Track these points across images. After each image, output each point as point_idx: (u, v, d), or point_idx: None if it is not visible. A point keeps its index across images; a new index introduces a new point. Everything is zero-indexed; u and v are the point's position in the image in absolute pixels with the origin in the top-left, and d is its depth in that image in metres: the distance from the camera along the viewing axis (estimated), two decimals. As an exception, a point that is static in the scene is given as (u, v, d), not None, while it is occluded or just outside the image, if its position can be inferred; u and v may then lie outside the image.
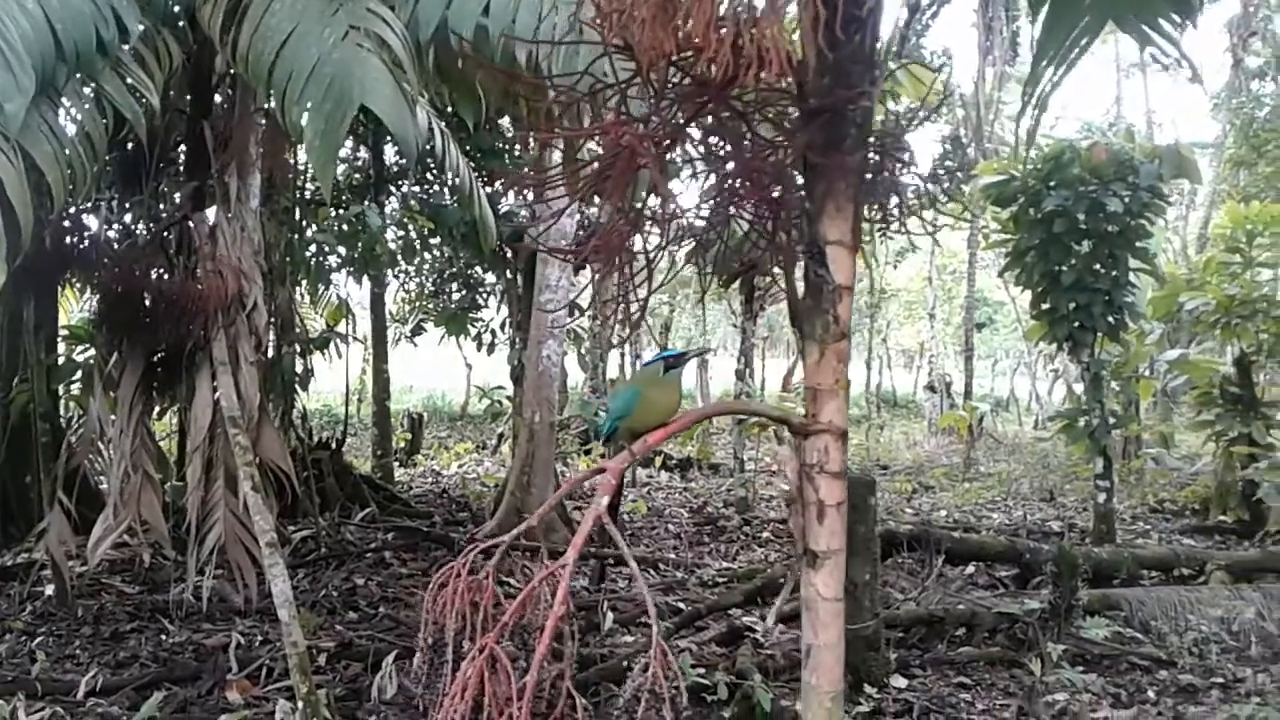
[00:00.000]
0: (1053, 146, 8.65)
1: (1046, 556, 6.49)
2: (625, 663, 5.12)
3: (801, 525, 1.96)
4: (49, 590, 6.26)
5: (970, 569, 7.55)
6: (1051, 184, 8.37)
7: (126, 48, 4.52)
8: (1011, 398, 27.38)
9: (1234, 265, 10.06)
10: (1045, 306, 8.69)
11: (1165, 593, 6.38)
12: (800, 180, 1.97)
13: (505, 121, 9.53)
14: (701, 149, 2.11)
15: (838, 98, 1.80)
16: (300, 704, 4.30)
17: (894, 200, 2.20)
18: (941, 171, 2.39)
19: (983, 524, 10.26)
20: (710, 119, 1.90)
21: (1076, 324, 8.47)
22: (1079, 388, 10.71)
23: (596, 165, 1.86)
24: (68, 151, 4.12)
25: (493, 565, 1.87)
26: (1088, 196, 8.18)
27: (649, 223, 2.18)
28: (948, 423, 16.60)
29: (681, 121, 1.87)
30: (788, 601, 6.05)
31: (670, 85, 1.80)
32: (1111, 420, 8.77)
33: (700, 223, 2.22)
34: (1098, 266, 8.34)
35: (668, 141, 1.88)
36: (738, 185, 2.05)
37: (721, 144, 2.04)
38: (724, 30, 1.53)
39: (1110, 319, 8.43)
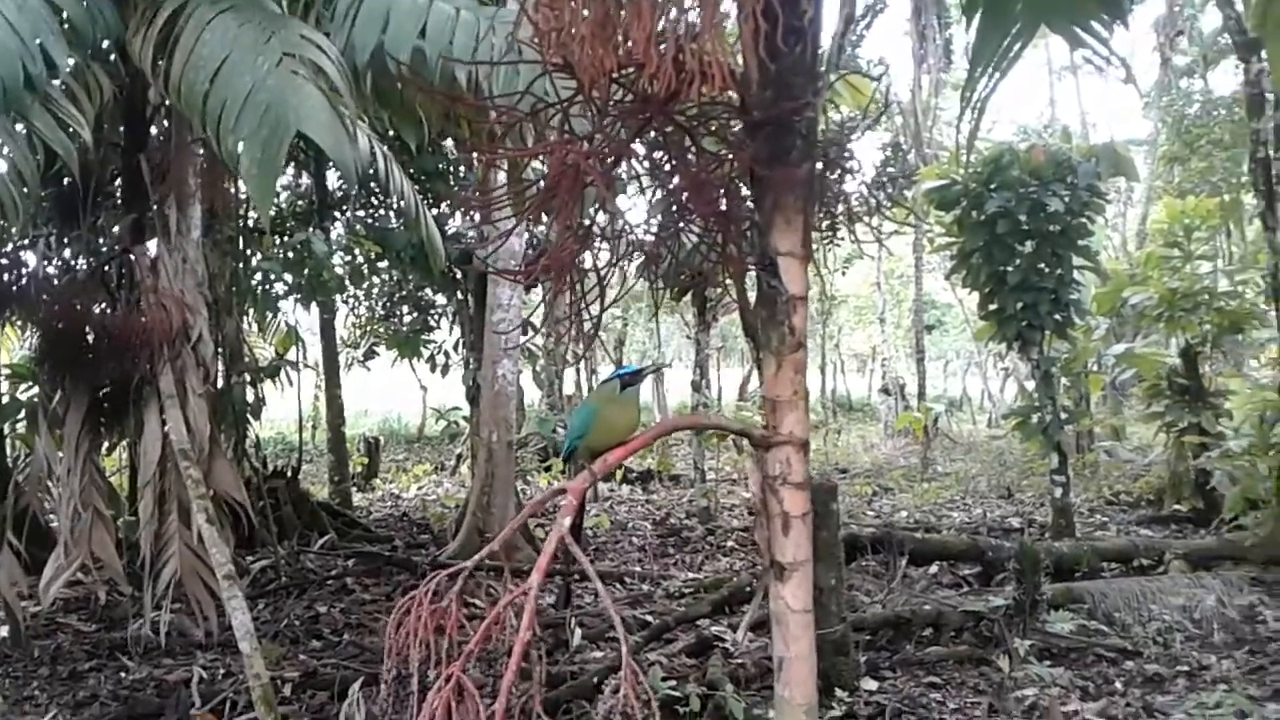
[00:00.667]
0: (992, 150, 8.76)
1: (1008, 553, 6.54)
2: (595, 680, 5.09)
3: (767, 537, 1.95)
4: (2, 631, 6.11)
5: (934, 569, 7.59)
6: (992, 186, 8.48)
7: (56, 83, 4.44)
8: (964, 397, 27.68)
9: (1174, 259, 10.24)
10: (993, 307, 8.78)
11: (1127, 584, 6.46)
12: (747, 193, 1.97)
13: (449, 143, 9.50)
14: (647, 165, 2.11)
15: (781, 109, 1.80)
16: (265, 738, 4.23)
17: (841, 208, 2.21)
18: (884, 179, 2.40)
19: (943, 523, 10.34)
20: (654, 134, 1.89)
21: (1024, 323, 8.56)
22: (1030, 385, 10.84)
23: (543, 184, 1.85)
24: None
25: (456, 591, 1.84)
26: (1029, 197, 8.30)
27: (598, 239, 2.17)
28: (904, 424, 16.74)
29: (626, 138, 1.86)
30: (758, 611, 6.05)
31: (613, 102, 1.80)
32: (1064, 415, 8.88)
33: (649, 237, 2.21)
34: (1042, 265, 8.45)
35: (613, 158, 1.87)
36: (685, 199, 2.04)
37: (667, 159, 2.04)
38: (664, 45, 1.53)
39: (1057, 316, 8.54)
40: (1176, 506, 9.80)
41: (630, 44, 1.57)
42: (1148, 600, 6.17)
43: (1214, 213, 10.51)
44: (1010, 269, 8.49)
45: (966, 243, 8.78)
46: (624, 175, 2.29)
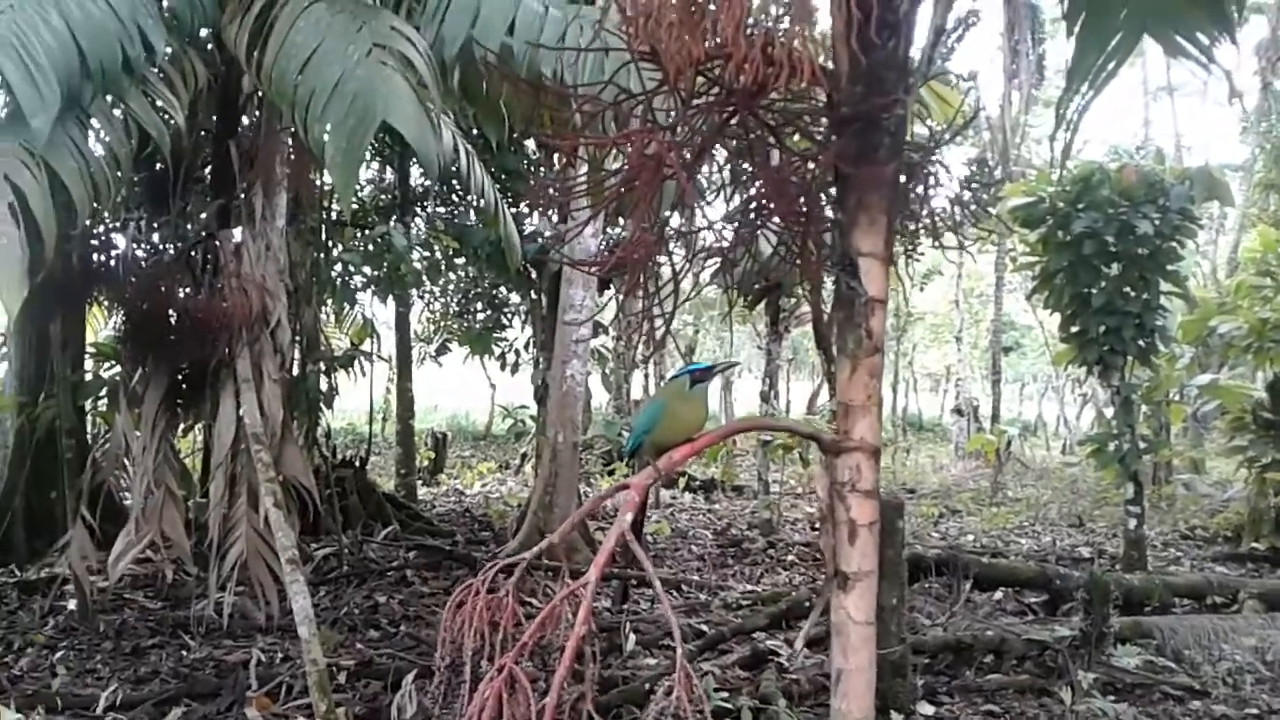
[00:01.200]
0: (1082, 168, 8.56)
1: (1076, 583, 6.37)
2: (647, 685, 5.05)
3: (832, 546, 1.91)
4: (71, 605, 6.25)
5: (999, 595, 7.43)
6: (1080, 206, 8.28)
7: (154, 69, 4.54)
8: (1039, 422, 27.15)
9: (1265, 289, 9.92)
10: (1075, 329, 8.58)
11: (1198, 621, 6.25)
12: (831, 192, 1.93)
13: (530, 143, 9.55)
14: (729, 162, 2.07)
15: (871, 105, 1.76)
16: (319, 722, 4.26)
17: (924, 220, 2.15)
18: (969, 193, 2.34)
19: (1010, 549, 10.11)
20: (738, 129, 1.86)
21: (1106, 347, 8.35)
22: (1109, 412, 10.56)
23: (623, 175, 1.83)
24: (93, 169, 4.12)
25: (512, 584, 1.83)
26: (1117, 219, 8.09)
27: (673, 240, 2.14)
28: (975, 446, 16.44)
29: (709, 132, 1.83)
30: (816, 625, 5.97)
31: (698, 94, 1.77)
32: (1142, 445, 8.64)
33: (725, 240, 2.18)
34: (1128, 289, 8.24)
35: (696, 152, 1.84)
36: (765, 199, 2.01)
37: (748, 157, 2.00)
38: (753, 35, 1.49)
39: (1141, 342, 8.31)
40: (1254, 544, 9.49)
41: (718, 34, 1.54)
42: (1219, 639, 5.96)
43: (1309, 242, 10.16)
44: (1094, 291, 8.29)
45: (1051, 262, 8.59)
46: (703, 176, 2.27)
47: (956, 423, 22.04)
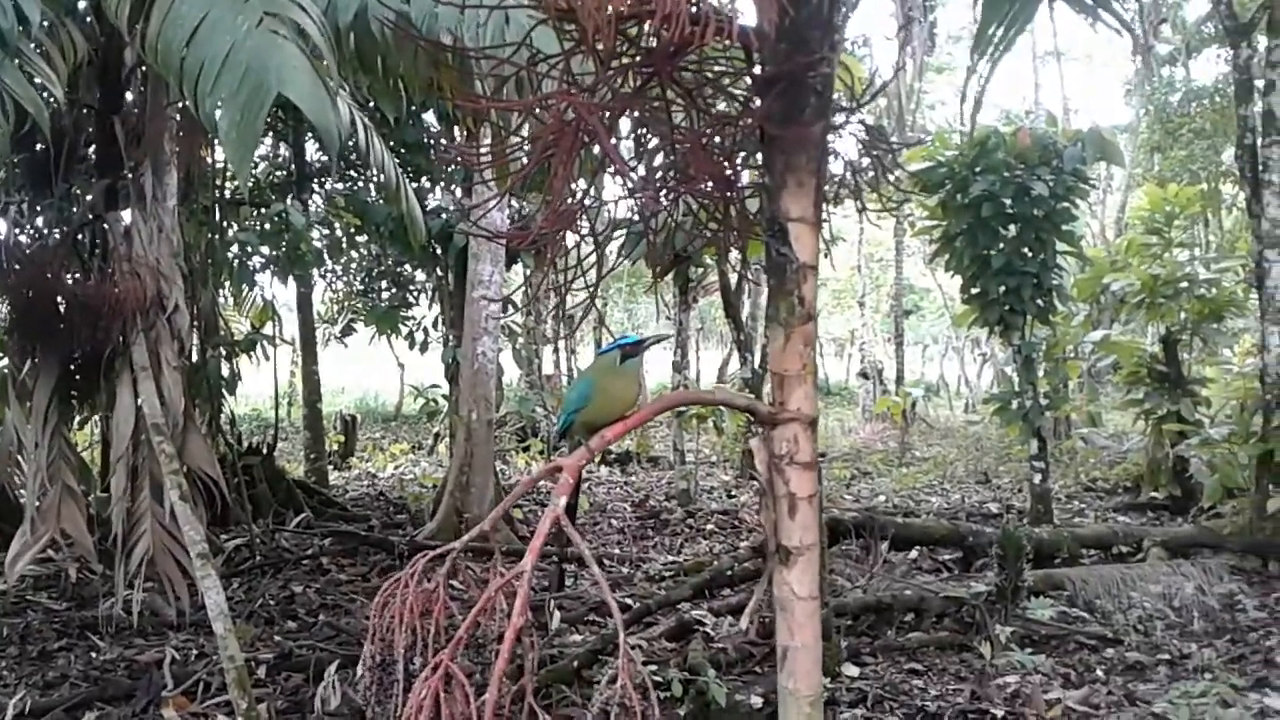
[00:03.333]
0: (978, 132, 8.70)
1: (989, 539, 6.50)
2: (575, 664, 5.02)
3: (773, 520, 1.86)
4: (-29, 610, 5.98)
5: (914, 554, 7.56)
6: (978, 169, 8.42)
7: (29, 41, 4.28)
8: (941, 382, 27.72)
9: (1154, 246, 10.24)
10: (975, 291, 8.74)
11: (1106, 571, 6.44)
12: (756, 157, 1.87)
13: (430, 116, 9.35)
14: (639, 125, 2.01)
15: (796, 64, 1.70)
16: (240, 719, 4.13)
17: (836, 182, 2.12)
18: (868, 159, 2.31)
19: (922, 508, 10.32)
20: (658, 91, 1.79)
21: (1007, 307, 8.52)
22: (1010, 370, 10.82)
23: (541, 140, 1.75)
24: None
25: (443, 575, 1.75)
26: (1014, 181, 8.24)
27: (593, 209, 2.07)
28: (882, 409, 16.73)
29: (629, 94, 1.76)
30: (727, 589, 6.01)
31: (616, 55, 1.69)
32: (1044, 401, 8.86)
33: (638, 211, 2.11)
34: (1026, 250, 8.41)
35: (617, 113, 1.76)
36: (684, 164, 1.95)
37: (668, 121, 1.94)
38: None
39: (1039, 301, 8.51)
40: (1154, 494, 9.83)
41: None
42: (1128, 587, 6.15)
43: (1195, 200, 10.51)
44: (994, 253, 8.44)
45: (950, 226, 8.72)
46: (619, 138, 2.19)
47: (863, 386, 22.42)
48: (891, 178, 2.12)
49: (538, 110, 1.76)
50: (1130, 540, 7.34)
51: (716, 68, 1.89)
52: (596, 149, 1.88)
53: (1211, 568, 6.47)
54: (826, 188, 2.05)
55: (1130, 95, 20.77)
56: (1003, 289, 8.47)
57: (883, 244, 25.06)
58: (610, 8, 1.42)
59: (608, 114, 1.73)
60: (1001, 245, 8.43)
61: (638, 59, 1.76)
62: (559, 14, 1.59)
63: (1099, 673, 5.16)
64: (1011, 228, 8.40)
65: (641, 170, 1.99)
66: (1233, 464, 7.99)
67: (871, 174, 2.12)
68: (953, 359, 30.04)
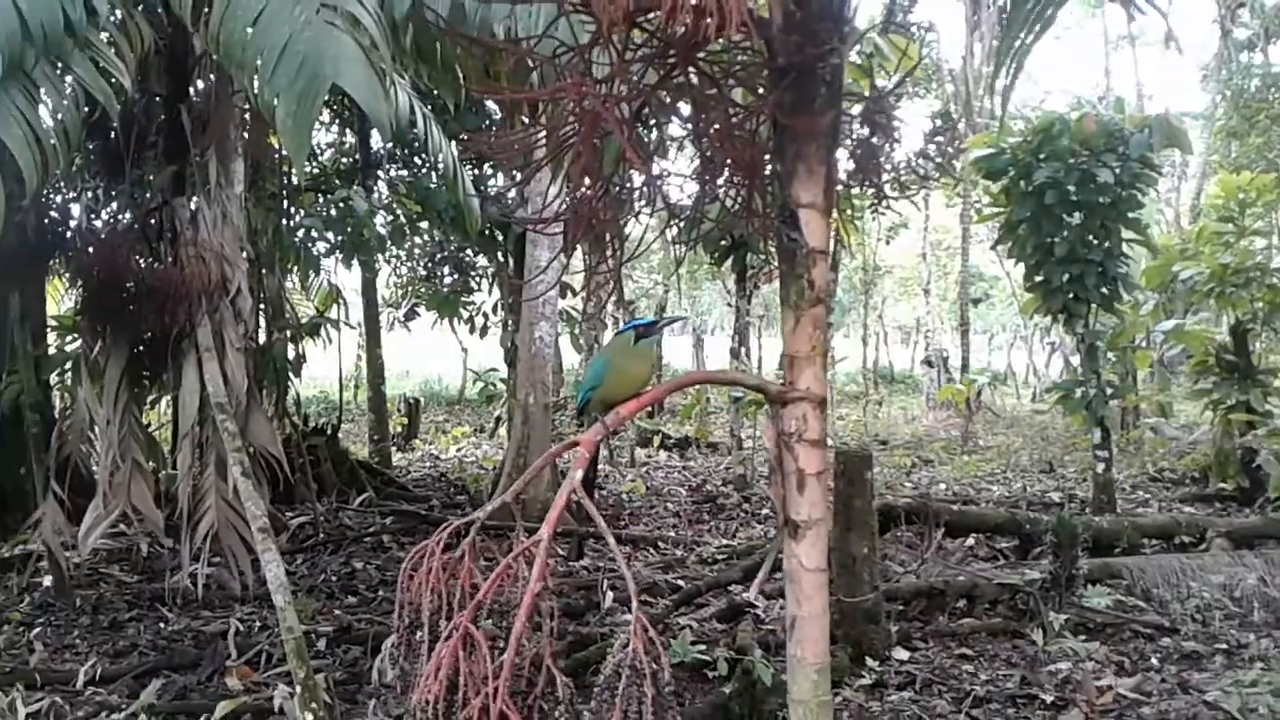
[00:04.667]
0: (1042, 118, 8.58)
1: (1046, 527, 6.45)
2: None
3: (782, 495, 1.92)
4: (47, 581, 6.24)
5: (970, 541, 7.52)
6: (1042, 156, 8.30)
7: (98, 31, 4.45)
8: (1009, 371, 27.34)
9: (1227, 234, 10.00)
10: (1039, 279, 8.63)
11: (1166, 560, 6.36)
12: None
13: (489, 104, 9.46)
14: (673, 116, 2.06)
15: (805, 56, 1.75)
16: (299, 689, 4.27)
17: (888, 175, 2.15)
18: (932, 145, 2.34)
19: (982, 496, 10.24)
20: (679, 82, 1.84)
21: (1070, 295, 8.41)
22: (1075, 359, 10.66)
23: (562, 131, 1.81)
24: (41, 137, 4.05)
25: (468, 543, 1.84)
26: (1078, 168, 8.12)
27: (625, 195, 2.13)
28: (946, 397, 16.56)
29: (649, 85, 1.82)
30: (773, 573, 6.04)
31: (636, 46, 1.75)
32: (1109, 390, 8.73)
33: (678, 196, 2.17)
34: (1090, 238, 8.28)
35: (637, 106, 1.82)
36: (712, 153, 2.00)
37: (695, 110, 1.99)
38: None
39: (1104, 290, 8.38)
40: (1221, 485, 9.64)
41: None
42: (1187, 577, 6.07)
43: (1270, 188, 10.23)
44: (1057, 240, 8.33)
45: (1013, 213, 8.62)
46: (655, 131, 2.25)
47: (927, 374, 22.18)
48: (955, 164, 2.15)
49: (562, 99, 1.82)
50: (1193, 531, 7.24)
51: (739, 58, 1.94)
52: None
53: (1275, 559, 6.34)
54: (890, 176, 2.09)
55: (1207, 81, 20.22)
56: (1066, 277, 8.35)
57: (950, 231, 24.74)
58: (621, 2, 1.48)
59: (629, 104, 1.79)
60: (1065, 233, 8.31)
61: (658, 50, 1.81)
62: (576, 9, 1.65)
63: (1153, 661, 5.13)
64: (1076, 215, 8.27)
65: (672, 159, 2.05)
66: (1301, 455, 7.82)
67: (934, 161, 2.15)
68: (1021, 348, 29.61)
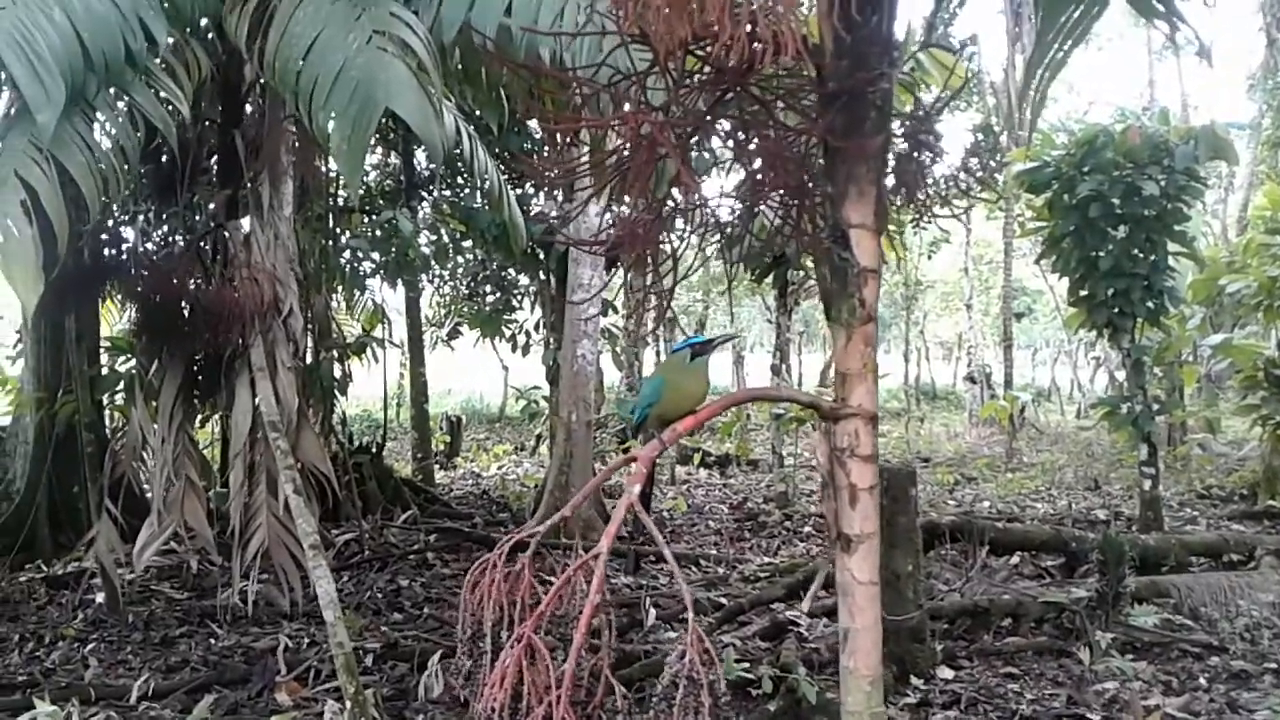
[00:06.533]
0: (1086, 130, 8.52)
1: (1092, 545, 6.40)
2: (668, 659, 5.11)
3: (834, 510, 1.95)
4: (100, 598, 6.35)
5: (1015, 559, 7.46)
6: (1085, 169, 8.25)
7: (156, 60, 4.58)
8: (1053, 387, 27.07)
9: (1275, 247, 9.87)
10: (1083, 293, 8.56)
11: (1215, 579, 6.27)
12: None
13: (532, 124, 9.56)
14: (725, 139, 2.11)
15: (856, 81, 1.79)
16: (348, 704, 4.33)
17: (928, 190, 2.18)
18: (974, 159, 2.36)
19: (1026, 514, 10.15)
20: (732, 108, 1.89)
21: (1115, 310, 8.33)
22: (1121, 375, 10.56)
23: (617, 157, 1.86)
24: (101, 163, 4.17)
25: (527, 557, 1.88)
26: (1123, 181, 8.05)
27: (676, 216, 2.18)
28: (989, 413, 16.43)
29: (703, 110, 1.87)
30: (822, 590, 6.03)
31: (689, 74, 1.80)
32: (1155, 406, 8.64)
33: (726, 215, 2.21)
34: (1135, 251, 8.20)
35: (690, 131, 1.87)
36: (761, 175, 2.04)
37: (745, 134, 2.03)
38: (739, 14, 1.53)
39: (1150, 304, 8.29)
40: (1271, 502, 9.50)
41: (705, 14, 1.57)
42: (1236, 596, 5.98)
43: (1318, 199, 10.11)
44: (1102, 254, 8.25)
45: (1057, 227, 8.56)
46: (703, 153, 2.30)
47: (970, 390, 22.00)
48: (997, 177, 2.18)
49: (618, 126, 1.87)
50: (1242, 549, 7.13)
51: (788, 82, 1.99)
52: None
53: (1326, 578, 6.26)
54: (930, 192, 2.12)
55: (1253, 90, 19.99)
56: (1111, 291, 8.28)
57: (992, 245, 24.58)
58: (678, 32, 1.52)
59: (682, 130, 1.84)
60: (1110, 247, 8.23)
61: (713, 76, 1.86)
62: (633, 38, 1.70)
63: (1201, 681, 5.06)
64: (1120, 229, 8.20)
65: (725, 180, 2.09)
66: (1353, 473, 7.70)
67: (975, 175, 2.19)
68: (1065, 363, 29.31)
